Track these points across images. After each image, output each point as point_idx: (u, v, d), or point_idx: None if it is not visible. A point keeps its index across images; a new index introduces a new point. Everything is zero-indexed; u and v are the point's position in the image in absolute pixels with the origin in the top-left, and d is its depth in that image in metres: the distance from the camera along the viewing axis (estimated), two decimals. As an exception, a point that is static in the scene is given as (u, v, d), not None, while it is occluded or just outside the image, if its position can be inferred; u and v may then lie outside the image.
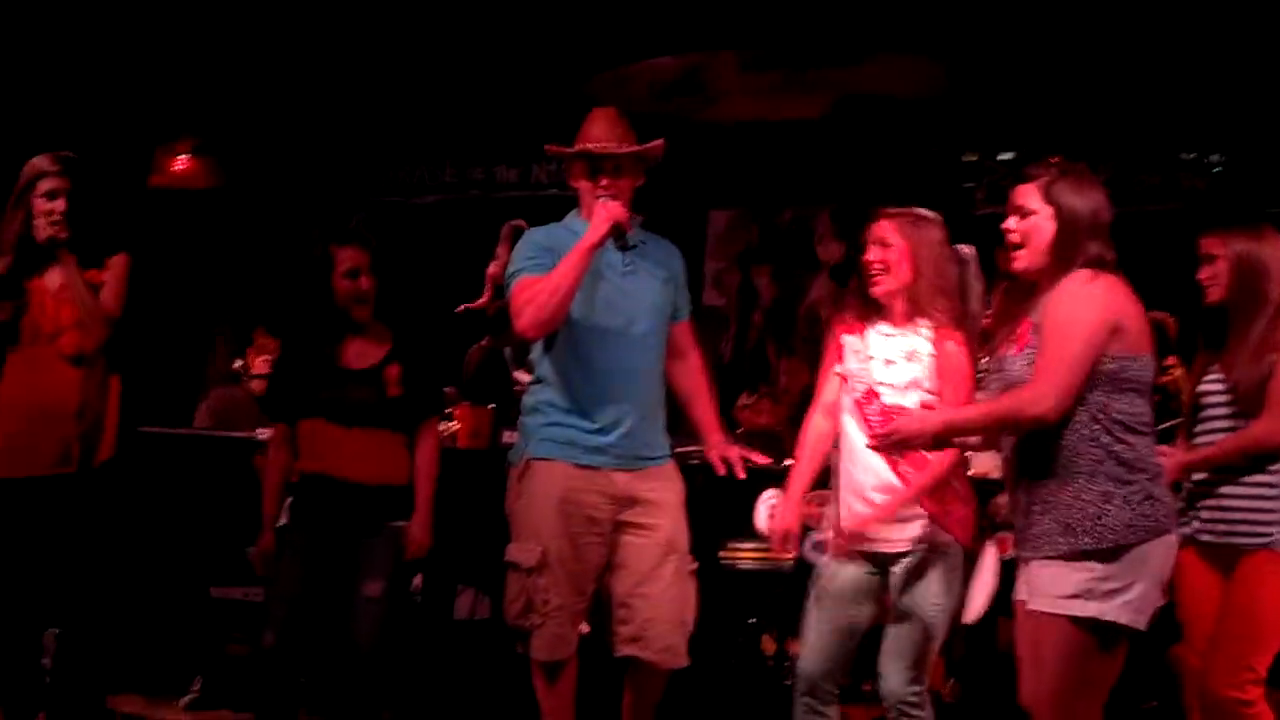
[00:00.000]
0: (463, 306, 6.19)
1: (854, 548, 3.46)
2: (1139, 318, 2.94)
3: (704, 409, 3.83)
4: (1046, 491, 2.90)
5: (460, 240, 7.92)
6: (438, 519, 4.46)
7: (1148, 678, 4.63)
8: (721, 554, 4.25)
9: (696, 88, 7.17)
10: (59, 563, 3.86)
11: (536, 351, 3.76)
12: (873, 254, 3.46)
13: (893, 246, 3.44)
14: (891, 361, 3.46)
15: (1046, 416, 2.84)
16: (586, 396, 3.63)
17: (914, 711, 3.42)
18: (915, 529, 3.41)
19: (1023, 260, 3.00)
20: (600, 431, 3.61)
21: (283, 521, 4.04)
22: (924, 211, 3.51)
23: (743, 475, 3.74)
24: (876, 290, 3.47)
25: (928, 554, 3.39)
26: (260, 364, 5.58)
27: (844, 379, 3.53)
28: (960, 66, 6.87)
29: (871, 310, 3.52)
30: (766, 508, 3.65)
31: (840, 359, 3.55)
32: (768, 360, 7.61)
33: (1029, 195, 2.99)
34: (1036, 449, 2.92)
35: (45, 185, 3.83)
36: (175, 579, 5.26)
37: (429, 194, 8.14)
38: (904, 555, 3.41)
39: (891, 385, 3.43)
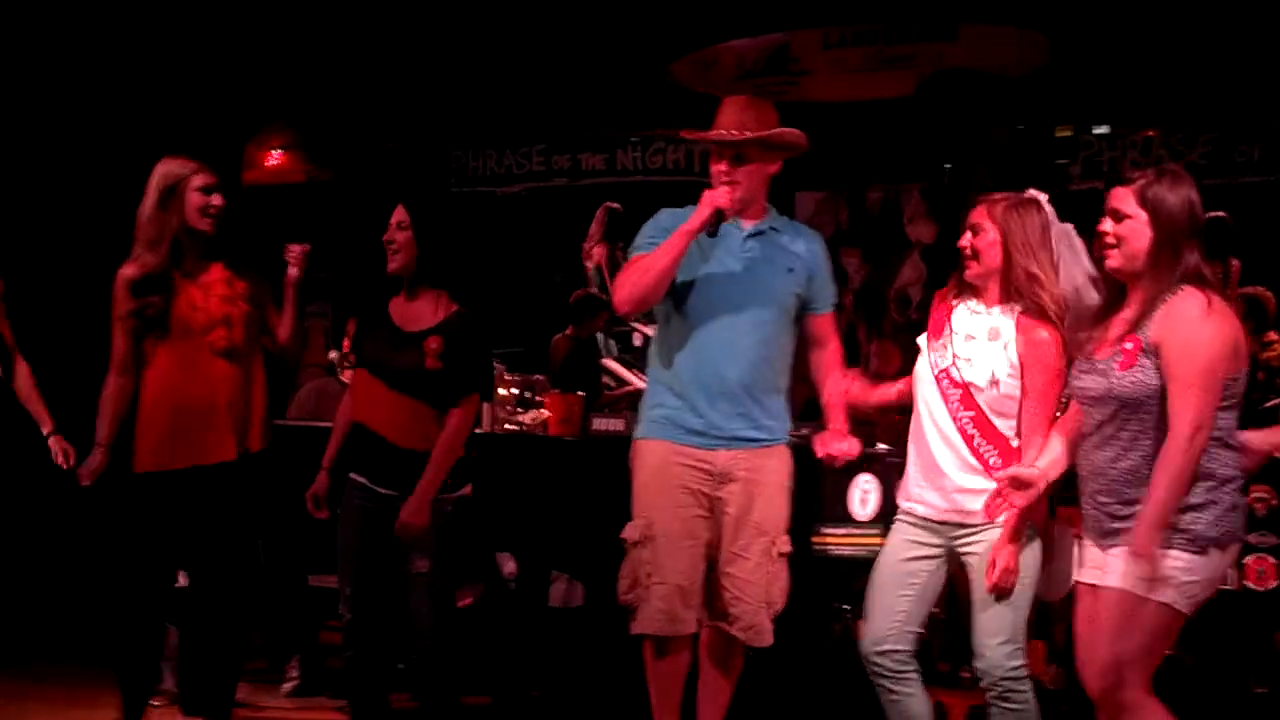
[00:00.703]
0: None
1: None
2: (1244, 335, 3.01)
3: (830, 401, 3.79)
4: (1136, 499, 2.99)
5: (548, 227, 7.96)
6: (530, 506, 4.49)
7: (1257, 664, 4.51)
8: (814, 539, 4.21)
9: (780, 68, 7.11)
10: (214, 550, 3.92)
11: (654, 336, 3.83)
12: (965, 239, 3.46)
13: (985, 233, 3.42)
14: (972, 337, 3.44)
15: (1203, 447, 2.94)
16: (690, 378, 3.68)
17: (1017, 687, 3.35)
18: (983, 502, 3.37)
19: (1116, 260, 3.05)
20: (699, 412, 3.65)
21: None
22: (1030, 194, 3.46)
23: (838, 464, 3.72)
24: (968, 275, 3.47)
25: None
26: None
27: (919, 350, 3.54)
28: (1058, 37, 6.72)
29: (966, 289, 3.51)
30: (860, 493, 3.62)
31: (930, 331, 3.54)
32: (858, 344, 7.54)
33: (1125, 199, 3.02)
34: (1131, 457, 3.01)
35: (199, 180, 3.90)
36: (272, 567, 5.35)
37: (516, 183, 8.18)
38: (978, 529, 3.38)
39: (968, 360, 3.42)
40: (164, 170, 3.90)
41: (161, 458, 3.90)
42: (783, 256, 3.73)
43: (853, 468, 3.67)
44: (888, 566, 3.50)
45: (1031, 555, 3.37)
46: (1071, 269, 3.40)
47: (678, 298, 3.68)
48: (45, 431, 4.39)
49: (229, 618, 3.98)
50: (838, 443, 3.68)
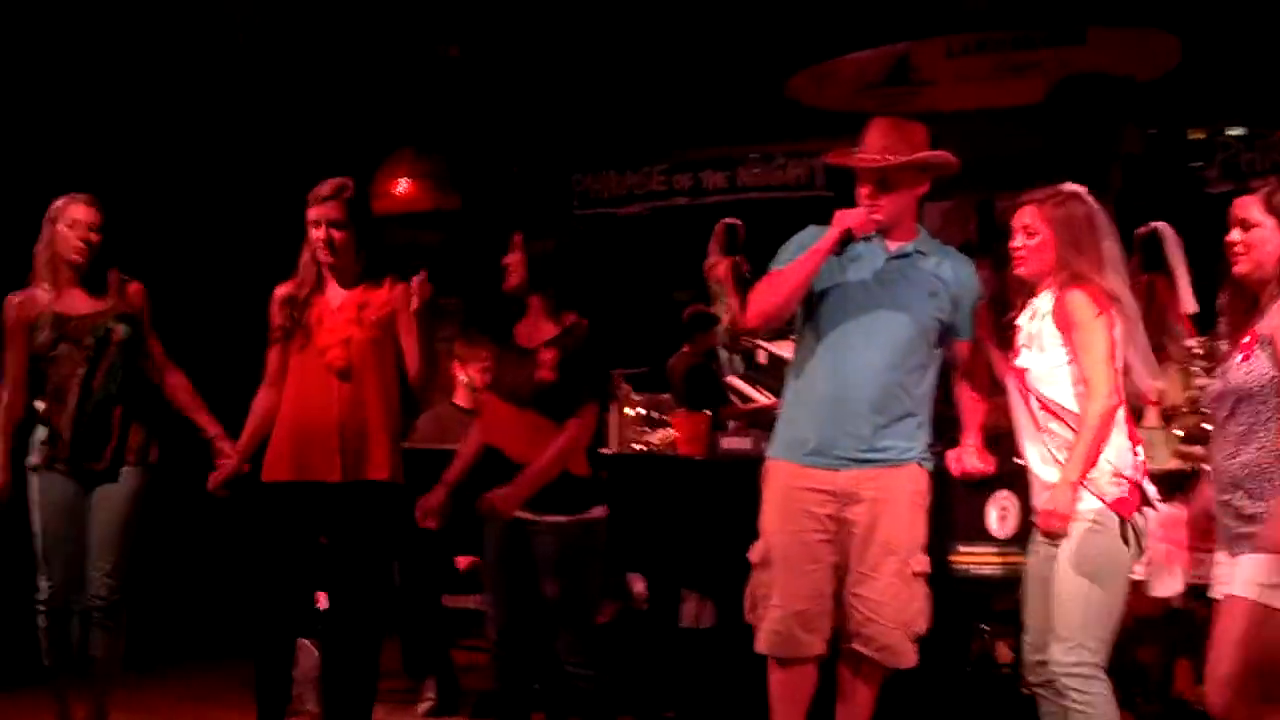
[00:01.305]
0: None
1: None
2: None
3: (966, 419, 3.82)
4: (1261, 495, 3.02)
5: (671, 247, 7.96)
6: (659, 525, 4.48)
7: None
8: (951, 558, 4.13)
9: (902, 78, 7.03)
10: (323, 568, 4.04)
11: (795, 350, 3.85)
12: (1017, 240, 3.49)
13: (1036, 234, 3.46)
14: (1020, 327, 3.51)
15: None
16: (819, 397, 3.67)
17: (1074, 685, 3.30)
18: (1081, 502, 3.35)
19: (1245, 266, 3.13)
20: (824, 432, 3.64)
21: None
22: (1070, 187, 3.50)
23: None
24: (1019, 273, 3.52)
25: (1092, 527, 3.33)
26: (473, 374, 5.65)
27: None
28: (1190, 37, 6.53)
29: (1028, 292, 3.56)
30: (998, 510, 3.56)
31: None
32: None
33: (1251, 208, 3.12)
34: (1247, 450, 3.07)
35: (311, 213, 4.05)
36: (407, 588, 5.41)
37: (637, 203, 8.21)
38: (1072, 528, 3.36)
39: (1025, 347, 3.47)
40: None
41: (275, 470, 4.02)
42: (926, 280, 3.70)
43: (990, 484, 3.60)
44: (1029, 575, 3.50)
45: (1117, 554, 3.33)
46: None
47: (814, 316, 3.69)
48: (208, 436, 4.40)
49: (355, 638, 4.05)
50: (972, 458, 3.66)
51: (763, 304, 3.70)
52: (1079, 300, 3.37)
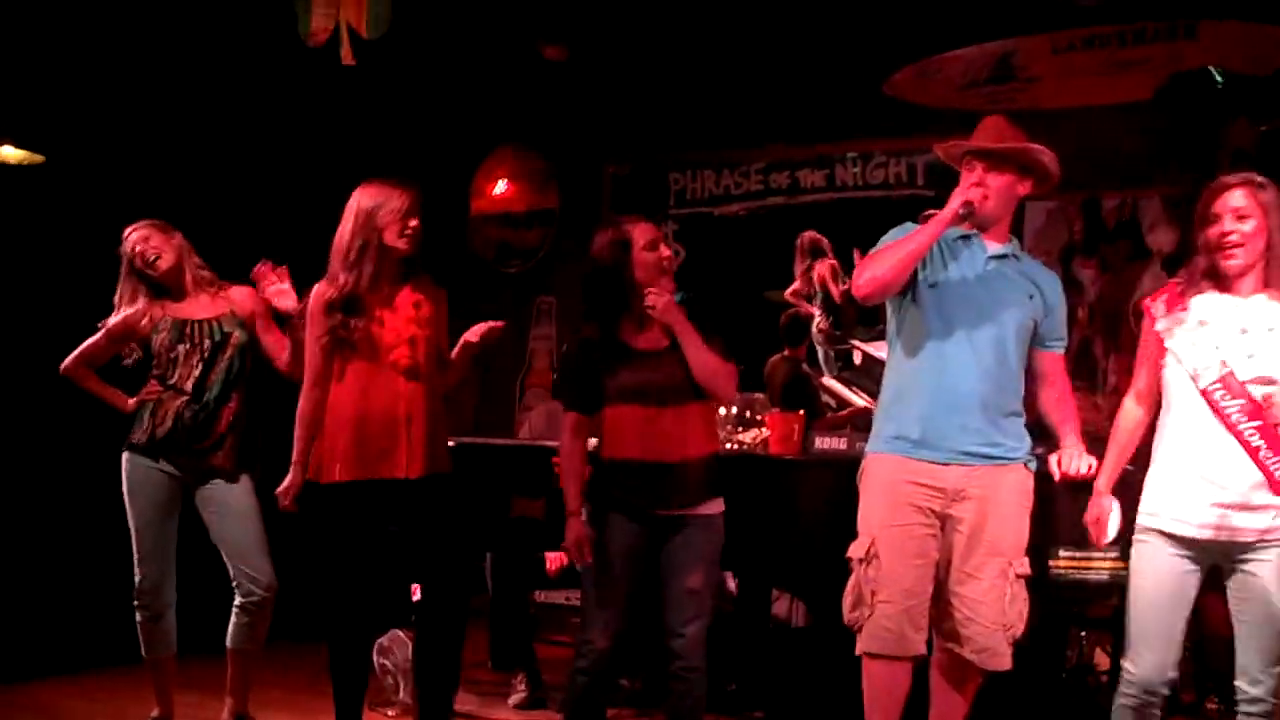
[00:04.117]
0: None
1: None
2: None
3: (1061, 422, 3.76)
4: None
5: (767, 247, 7.92)
6: (751, 525, 4.44)
7: None
8: (1053, 562, 4.04)
9: (1007, 76, 6.90)
10: (402, 563, 4.09)
11: (889, 349, 3.80)
12: (1229, 225, 3.30)
13: (1249, 219, 3.29)
14: (1246, 330, 3.29)
15: None
16: (926, 392, 3.63)
17: None
18: (1268, 519, 3.22)
19: (1243, 261, 3.20)
20: (934, 427, 3.60)
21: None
22: (1259, 178, 3.38)
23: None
24: (1233, 264, 3.31)
25: None
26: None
27: (1161, 356, 3.42)
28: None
29: (1207, 282, 3.36)
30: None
31: (1162, 341, 3.41)
32: (1094, 359, 7.24)
33: (1247, 199, 3.19)
34: None
35: (396, 204, 4.03)
36: (498, 584, 5.44)
37: (734, 203, 8.17)
38: (1265, 544, 3.22)
39: (1250, 356, 3.26)
40: (361, 194, 4.06)
41: (340, 470, 4.02)
42: (1024, 282, 3.69)
43: (1092, 488, 3.52)
44: (1159, 590, 3.33)
45: None
46: None
47: (916, 310, 3.66)
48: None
49: (448, 628, 4.10)
50: (1074, 461, 3.58)
51: (878, 271, 3.62)
52: None
